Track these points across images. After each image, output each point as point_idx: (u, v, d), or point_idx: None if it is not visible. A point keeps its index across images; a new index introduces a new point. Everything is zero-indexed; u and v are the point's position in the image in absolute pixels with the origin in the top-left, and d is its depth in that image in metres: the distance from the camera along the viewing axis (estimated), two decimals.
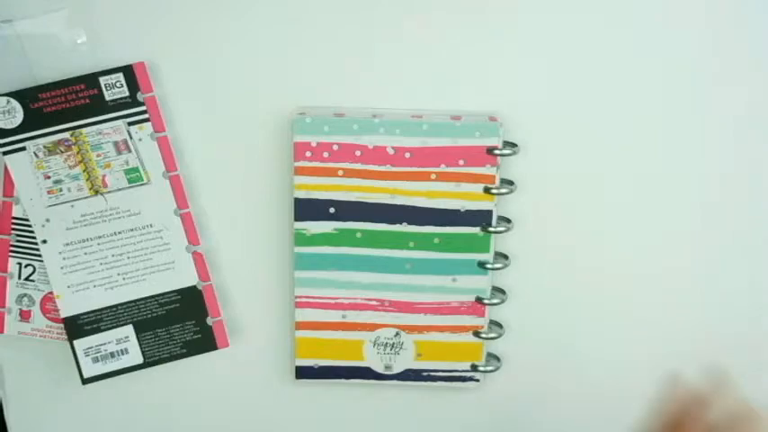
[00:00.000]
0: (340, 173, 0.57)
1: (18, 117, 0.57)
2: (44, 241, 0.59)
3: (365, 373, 0.61)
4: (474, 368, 0.60)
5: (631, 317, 0.61)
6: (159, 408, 0.64)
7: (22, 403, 0.64)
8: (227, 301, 0.62)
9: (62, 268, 0.59)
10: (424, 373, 0.61)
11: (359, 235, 0.58)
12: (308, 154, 0.57)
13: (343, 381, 0.61)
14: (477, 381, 0.61)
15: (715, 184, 0.59)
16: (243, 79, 0.58)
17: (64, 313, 0.60)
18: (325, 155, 0.57)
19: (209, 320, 0.61)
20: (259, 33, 0.57)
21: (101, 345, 0.60)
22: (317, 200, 0.58)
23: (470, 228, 0.58)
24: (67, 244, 0.59)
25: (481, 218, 0.58)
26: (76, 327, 0.60)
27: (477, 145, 0.56)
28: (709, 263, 0.60)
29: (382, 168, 0.57)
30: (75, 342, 0.60)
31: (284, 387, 0.63)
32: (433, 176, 0.57)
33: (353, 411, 0.64)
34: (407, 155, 0.57)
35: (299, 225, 0.58)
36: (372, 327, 0.60)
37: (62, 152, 0.58)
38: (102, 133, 0.58)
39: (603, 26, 0.56)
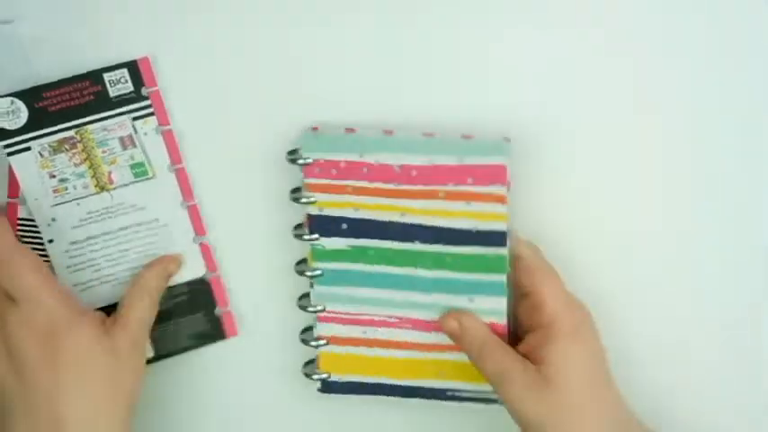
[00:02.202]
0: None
1: (23, 117, 0.57)
2: (50, 241, 0.59)
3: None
4: None
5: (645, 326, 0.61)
6: (166, 401, 0.64)
7: None
8: (234, 292, 0.63)
9: (68, 267, 0.60)
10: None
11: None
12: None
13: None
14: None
15: (722, 188, 0.60)
16: (248, 79, 0.59)
17: None
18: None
19: (218, 311, 0.62)
20: (262, 30, 0.59)
21: None
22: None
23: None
24: (73, 242, 0.60)
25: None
26: None
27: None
28: (721, 274, 0.61)
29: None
30: None
31: (293, 377, 0.63)
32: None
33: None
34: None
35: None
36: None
37: (67, 150, 0.58)
38: (108, 129, 0.59)
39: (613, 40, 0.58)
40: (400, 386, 0.60)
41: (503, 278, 0.57)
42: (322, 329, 0.60)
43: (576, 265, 0.59)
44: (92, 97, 0.58)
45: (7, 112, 0.57)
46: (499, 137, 0.57)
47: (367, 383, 0.61)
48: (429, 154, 0.56)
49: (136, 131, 0.59)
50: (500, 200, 0.56)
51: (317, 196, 0.58)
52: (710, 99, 0.59)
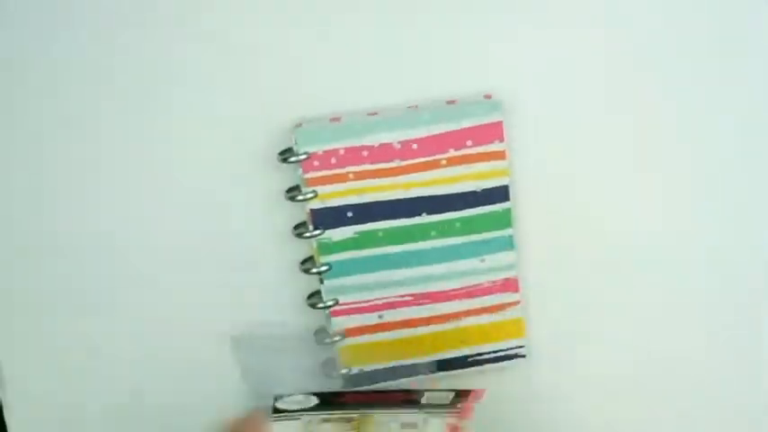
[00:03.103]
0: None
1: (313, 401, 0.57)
2: None
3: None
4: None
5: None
6: (162, 405, 0.62)
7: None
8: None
9: None
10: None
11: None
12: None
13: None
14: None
15: (722, 188, 0.60)
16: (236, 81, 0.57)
17: None
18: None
19: None
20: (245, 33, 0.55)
21: None
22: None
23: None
24: None
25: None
26: None
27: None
28: (721, 274, 0.61)
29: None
30: None
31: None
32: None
33: None
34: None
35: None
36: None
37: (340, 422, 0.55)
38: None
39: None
40: (420, 367, 0.61)
41: (509, 232, 0.58)
42: (337, 324, 0.59)
43: (576, 266, 0.60)
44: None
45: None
46: (480, 96, 0.57)
47: (390, 368, 0.61)
48: (426, 125, 0.56)
49: None
50: (500, 156, 0.57)
51: (318, 189, 0.57)
52: (710, 99, 0.58)
